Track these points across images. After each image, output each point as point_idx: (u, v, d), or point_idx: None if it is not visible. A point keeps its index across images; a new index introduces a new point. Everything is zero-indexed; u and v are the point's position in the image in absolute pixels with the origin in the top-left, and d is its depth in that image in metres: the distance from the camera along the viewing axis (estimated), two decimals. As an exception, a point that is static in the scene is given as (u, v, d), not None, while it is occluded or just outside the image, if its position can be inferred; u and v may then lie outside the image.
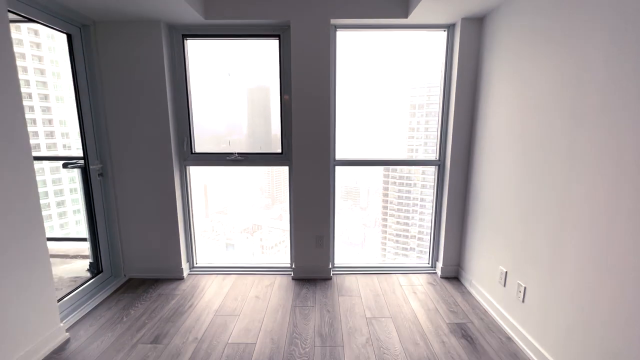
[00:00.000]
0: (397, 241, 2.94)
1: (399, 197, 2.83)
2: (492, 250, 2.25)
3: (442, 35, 2.57)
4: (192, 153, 2.72)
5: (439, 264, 2.81)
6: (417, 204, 2.80)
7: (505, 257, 2.10)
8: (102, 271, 2.62)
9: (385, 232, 3.00)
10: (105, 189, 2.56)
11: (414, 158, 2.85)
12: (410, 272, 2.87)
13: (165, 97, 2.48)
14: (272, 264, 2.96)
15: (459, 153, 2.58)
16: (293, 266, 2.79)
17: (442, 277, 2.78)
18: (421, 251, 2.89)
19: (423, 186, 2.82)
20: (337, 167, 2.75)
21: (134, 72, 2.44)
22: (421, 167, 2.87)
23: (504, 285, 2.09)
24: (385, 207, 2.93)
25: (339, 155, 2.74)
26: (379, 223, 3.06)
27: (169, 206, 2.64)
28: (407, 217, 2.84)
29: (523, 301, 1.90)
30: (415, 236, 2.87)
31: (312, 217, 2.69)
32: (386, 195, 2.90)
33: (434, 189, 2.81)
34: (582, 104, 1.47)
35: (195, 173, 2.88)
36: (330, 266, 2.79)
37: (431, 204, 2.87)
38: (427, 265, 2.93)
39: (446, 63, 2.56)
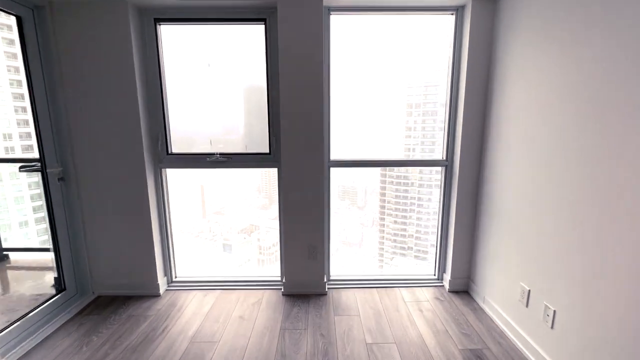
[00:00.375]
0: (394, 240, 2.83)
1: (397, 197, 2.73)
2: (511, 263, 1.96)
3: (450, 19, 2.27)
4: (168, 154, 2.41)
5: (447, 276, 2.52)
6: (414, 203, 2.70)
7: (527, 272, 1.80)
8: (65, 289, 2.30)
9: (383, 231, 2.89)
10: (67, 195, 2.24)
11: (410, 157, 2.57)
12: (414, 285, 2.57)
13: (135, 90, 2.16)
14: (261, 277, 2.65)
15: (469, 152, 2.29)
16: (283, 280, 2.48)
17: (450, 291, 2.48)
18: (419, 250, 2.78)
19: (420, 185, 2.69)
20: (332, 169, 2.44)
21: (98, 62, 2.12)
22: (421, 167, 2.59)
23: (526, 306, 1.80)
24: (382, 207, 2.83)
25: (334, 156, 2.43)
26: (376, 222, 2.96)
27: (142, 214, 2.33)
28: (405, 217, 2.73)
29: (552, 327, 1.60)
30: (412, 235, 2.77)
31: (304, 225, 2.39)
32: (383, 194, 2.80)
33: (440, 192, 2.52)
34: (610, 106, 1.18)
35: (191, 174, 2.59)
36: (325, 280, 2.48)
37: (429, 202, 2.63)
38: (433, 276, 2.64)
39: (454, 53, 2.27)
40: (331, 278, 2.61)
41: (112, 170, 2.26)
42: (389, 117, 2.56)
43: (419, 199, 2.68)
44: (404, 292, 2.49)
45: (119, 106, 2.18)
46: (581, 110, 1.42)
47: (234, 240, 3.04)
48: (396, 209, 2.77)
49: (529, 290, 1.78)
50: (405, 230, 2.79)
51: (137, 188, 2.29)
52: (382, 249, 2.93)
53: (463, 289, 2.49)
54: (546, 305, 1.64)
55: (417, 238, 2.78)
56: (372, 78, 2.46)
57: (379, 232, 2.94)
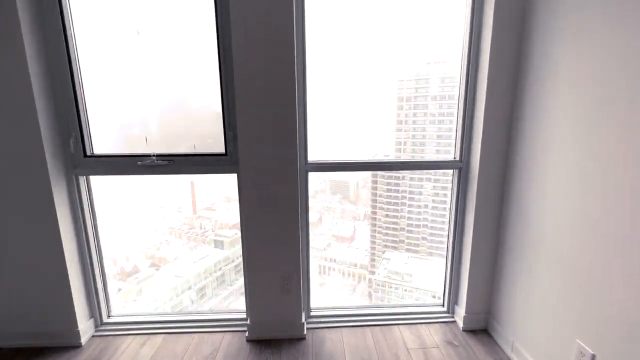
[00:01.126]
0: (386, 234, 2.80)
1: (388, 190, 2.66)
2: (558, 308, 1.40)
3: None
4: (86, 156, 1.77)
5: (460, 310, 1.96)
6: (405, 197, 2.60)
7: (589, 327, 1.24)
8: (-59, 344, 1.66)
9: (375, 225, 2.84)
10: (-64, 216, 1.60)
11: (402, 153, 2.14)
12: (418, 321, 2.01)
13: (25, 67, 1.51)
14: (220, 313, 2.05)
15: (493, 152, 1.72)
16: (249, 321, 1.88)
17: (465, 331, 1.92)
18: (410, 243, 2.70)
19: (411, 179, 2.55)
20: (310, 174, 1.85)
21: (-32, 24, 1.47)
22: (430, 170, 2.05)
23: (588, 375, 1.24)
24: (374, 200, 2.79)
25: (313, 157, 1.84)
26: (368, 216, 2.90)
27: (49, 237, 1.70)
28: (396, 210, 2.66)
29: (640, 422, 1.05)
30: (404, 229, 2.71)
31: (274, 249, 1.79)
32: (375, 188, 2.75)
33: (451, 202, 1.96)
34: None
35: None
36: (302, 319, 1.90)
37: (420, 196, 2.34)
38: (442, 309, 2.08)
39: (472, 32, 1.68)
40: (312, 314, 2.03)
41: (4, 178, 1.62)
42: (379, 111, 2.21)
43: (410, 192, 2.53)
44: (405, 331, 1.93)
45: (5, 92, 1.53)
46: None
47: (225, 236, 2.76)
48: (387, 202, 2.68)
49: (594, 356, 1.22)
50: (396, 223, 2.70)
51: (39, 203, 1.65)
52: (374, 242, 2.87)
53: (481, 326, 1.93)
54: (628, 386, 1.08)
55: (408, 231, 2.70)
56: (359, 64, 1.96)
57: (370, 226, 2.87)
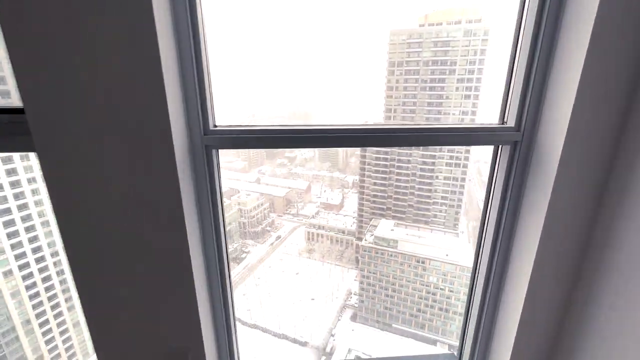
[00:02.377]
0: (374, 202, 2.95)
1: (377, 159, 2.77)
2: None
3: None
4: None
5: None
6: (394, 165, 2.73)
7: None
8: None
9: (363, 193, 3.05)
10: None
11: (392, 119, 1.69)
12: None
13: None
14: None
15: (591, 120, 0.84)
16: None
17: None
18: (397, 211, 2.81)
19: (400, 147, 2.65)
20: (220, 152, 0.95)
21: None
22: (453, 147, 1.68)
23: None
24: (362, 169, 2.99)
25: (223, 119, 0.91)
26: (356, 185, 3.10)
27: None
28: (384, 178, 2.80)
29: None
30: (392, 197, 2.86)
31: (147, 307, 0.93)
32: (364, 157, 2.89)
33: (491, 195, 1.08)
34: None
35: None
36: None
37: (407, 164, 2.23)
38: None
39: None
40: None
41: None
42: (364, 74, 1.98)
43: (399, 160, 2.51)
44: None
45: None
46: None
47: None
48: (376, 171, 2.70)
49: None
50: (385, 192, 2.74)
51: None
52: (362, 209, 2.92)
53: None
54: None
55: (395, 199, 2.73)
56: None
57: (358, 194, 2.95)
